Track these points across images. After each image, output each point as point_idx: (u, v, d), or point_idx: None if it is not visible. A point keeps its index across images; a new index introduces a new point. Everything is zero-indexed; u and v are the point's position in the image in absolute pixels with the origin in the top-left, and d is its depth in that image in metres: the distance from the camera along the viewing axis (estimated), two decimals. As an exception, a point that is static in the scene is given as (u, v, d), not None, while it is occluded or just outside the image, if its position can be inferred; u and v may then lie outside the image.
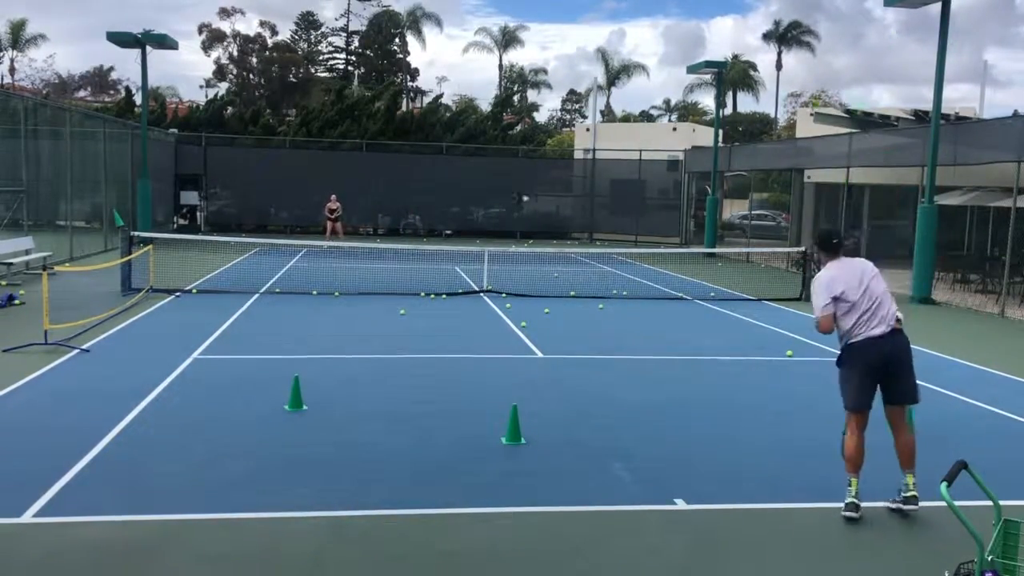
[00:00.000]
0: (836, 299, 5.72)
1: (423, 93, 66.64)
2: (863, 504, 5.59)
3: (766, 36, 67.11)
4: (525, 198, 27.12)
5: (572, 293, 16.99)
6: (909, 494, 5.61)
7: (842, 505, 5.59)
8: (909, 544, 5.36)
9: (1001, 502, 4.19)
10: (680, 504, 5.82)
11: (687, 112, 65.81)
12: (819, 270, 6.11)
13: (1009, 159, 16.35)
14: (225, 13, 66.99)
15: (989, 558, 3.84)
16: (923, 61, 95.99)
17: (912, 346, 5.80)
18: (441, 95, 46.09)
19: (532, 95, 70.37)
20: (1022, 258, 18.76)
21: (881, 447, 5.86)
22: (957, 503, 3.71)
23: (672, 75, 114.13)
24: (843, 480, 5.66)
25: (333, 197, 27.82)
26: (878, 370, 5.66)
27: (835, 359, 5.86)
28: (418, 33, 64.08)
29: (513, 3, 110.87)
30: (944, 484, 3.76)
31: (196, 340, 10.93)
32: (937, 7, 16.65)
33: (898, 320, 5.74)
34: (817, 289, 5.85)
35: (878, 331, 5.64)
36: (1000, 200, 19.62)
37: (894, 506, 5.71)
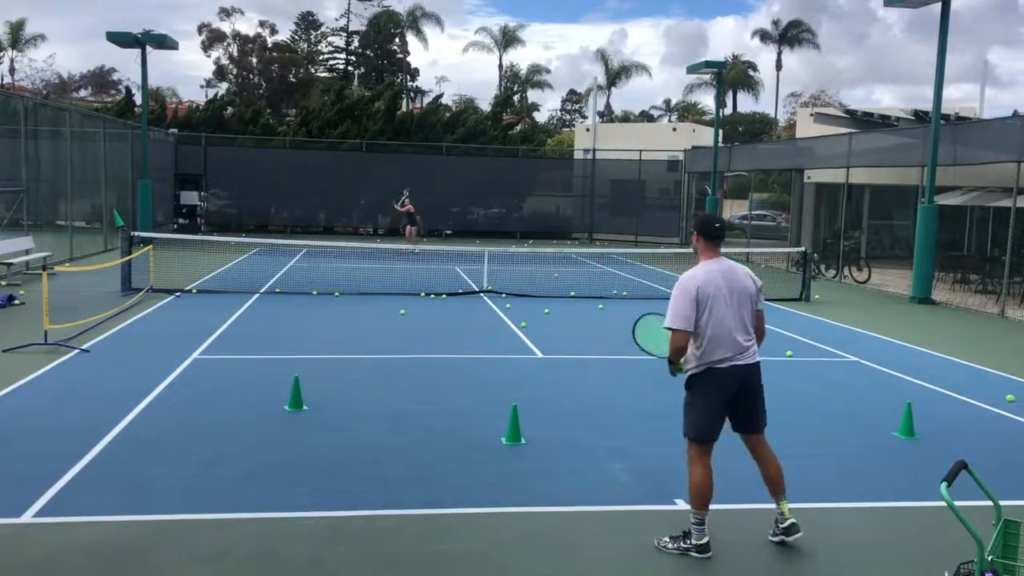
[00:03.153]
0: (698, 307, 4.88)
1: (423, 93, 66.70)
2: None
3: (762, 36, 67.18)
4: (405, 193, 26.99)
5: (572, 293, 16.98)
6: (789, 523, 5.10)
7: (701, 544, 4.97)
8: (909, 544, 5.36)
9: (1001, 502, 4.19)
10: (680, 504, 5.81)
11: (687, 112, 65.85)
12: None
13: (1009, 159, 16.34)
14: (225, 13, 67.07)
15: (989, 558, 3.84)
16: (926, 61, 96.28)
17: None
18: (441, 95, 46.05)
19: (534, 95, 70.46)
20: (1022, 258, 18.76)
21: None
22: (957, 503, 3.71)
23: (673, 75, 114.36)
24: (688, 519, 5.05)
25: (406, 194, 26.83)
26: (732, 398, 5.04)
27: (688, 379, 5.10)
28: (418, 33, 64.13)
29: (515, 3, 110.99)
30: (944, 484, 3.76)
31: (196, 340, 10.93)
32: (938, 7, 16.65)
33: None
34: (680, 292, 4.92)
35: (742, 361, 4.97)
36: (1000, 200, 19.62)
37: (776, 539, 5.17)
